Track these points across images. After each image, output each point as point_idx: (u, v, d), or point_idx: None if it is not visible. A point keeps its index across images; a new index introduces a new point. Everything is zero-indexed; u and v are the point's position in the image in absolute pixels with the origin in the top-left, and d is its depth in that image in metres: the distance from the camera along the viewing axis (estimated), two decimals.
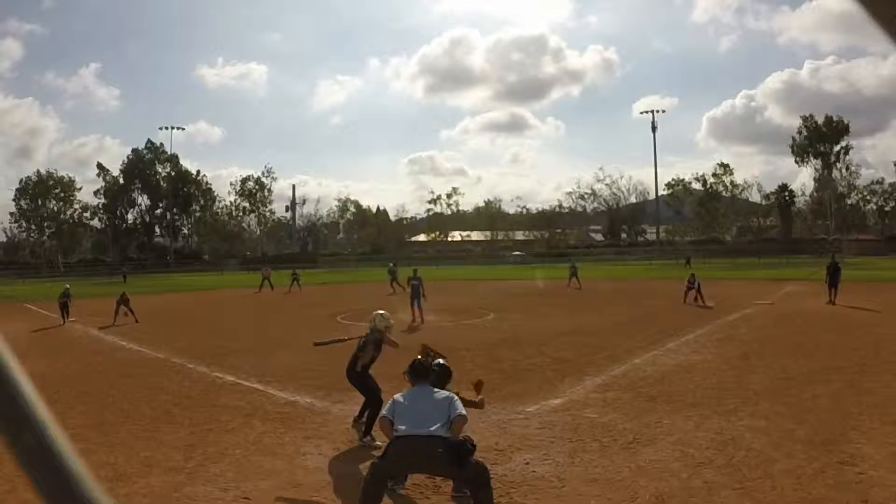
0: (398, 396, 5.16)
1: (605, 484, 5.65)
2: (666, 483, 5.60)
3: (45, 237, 73.44)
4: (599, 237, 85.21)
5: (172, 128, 74.59)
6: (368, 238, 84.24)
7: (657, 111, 75.04)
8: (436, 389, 5.20)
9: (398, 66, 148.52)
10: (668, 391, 9.01)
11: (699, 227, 77.60)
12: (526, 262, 63.51)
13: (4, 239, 74.29)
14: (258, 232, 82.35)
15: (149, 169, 76.32)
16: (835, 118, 71.32)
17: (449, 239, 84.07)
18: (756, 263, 49.68)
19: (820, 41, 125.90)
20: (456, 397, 5.10)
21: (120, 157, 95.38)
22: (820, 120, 71.97)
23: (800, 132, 73.25)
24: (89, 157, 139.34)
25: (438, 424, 4.79)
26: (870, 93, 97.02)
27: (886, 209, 73.38)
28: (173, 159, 76.54)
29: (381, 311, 7.85)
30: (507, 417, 7.84)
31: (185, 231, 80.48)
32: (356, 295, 29.43)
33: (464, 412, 4.93)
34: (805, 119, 73.10)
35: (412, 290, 18.84)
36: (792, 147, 73.97)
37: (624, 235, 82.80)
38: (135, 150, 76.77)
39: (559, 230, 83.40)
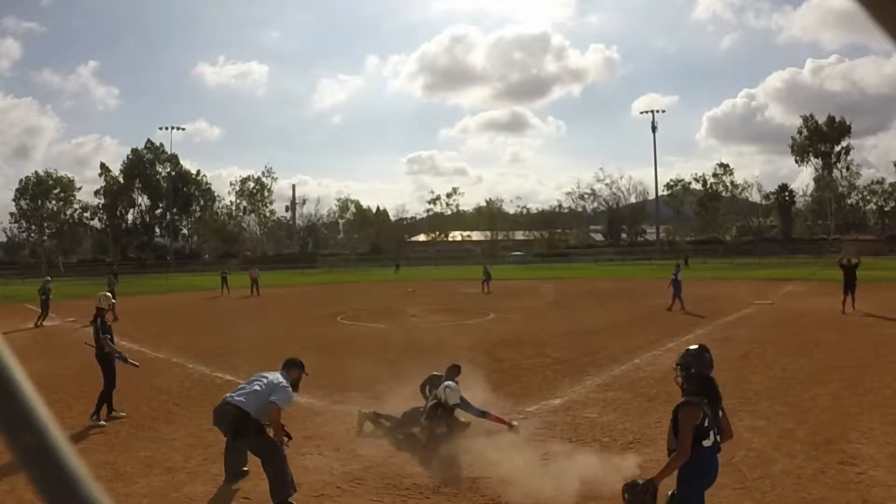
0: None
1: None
2: (666, 483, 5.58)
3: (45, 237, 73.45)
4: (599, 237, 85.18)
5: (172, 128, 74.63)
6: (368, 238, 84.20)
7: (657, 111, 75.01)
8: (276, 374, 5.82)
9: (397, 65, 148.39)
10: (668, 391, 8.97)
11: (699, 227, 77.59)
12: (526, 262, 63.44)
13: (4, 239, 74.33)
14: (258, 232, 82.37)
15: (149, 169, 76.33)
16: (836, 118, 71.41)
17: (449, 239, 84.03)
18: (756, 263, 49.68)
19: (822, 40, 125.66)
20: (283, 385, 5.63)
21: (119, 157, 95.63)
22: (821, 119, 72.07)
23: (800, 132, 73.33)
24: (88, 156, 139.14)
25: (245, 399, 5.52)
26: (872, 92, 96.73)
27: (886, 209, 73.32)
28: (173, 159, 76.61)
29: (104, 293, 8.78)
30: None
31: (185, 231, 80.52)
32: (356, 295, 29.42)
33: (276, 399, 5.48)
34: (805, 119, 73.19)
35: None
36: (792, 147, 74.08)
37: (624, 235, 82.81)
38: (135, 150, 76.83)
39: (559, 230, 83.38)
